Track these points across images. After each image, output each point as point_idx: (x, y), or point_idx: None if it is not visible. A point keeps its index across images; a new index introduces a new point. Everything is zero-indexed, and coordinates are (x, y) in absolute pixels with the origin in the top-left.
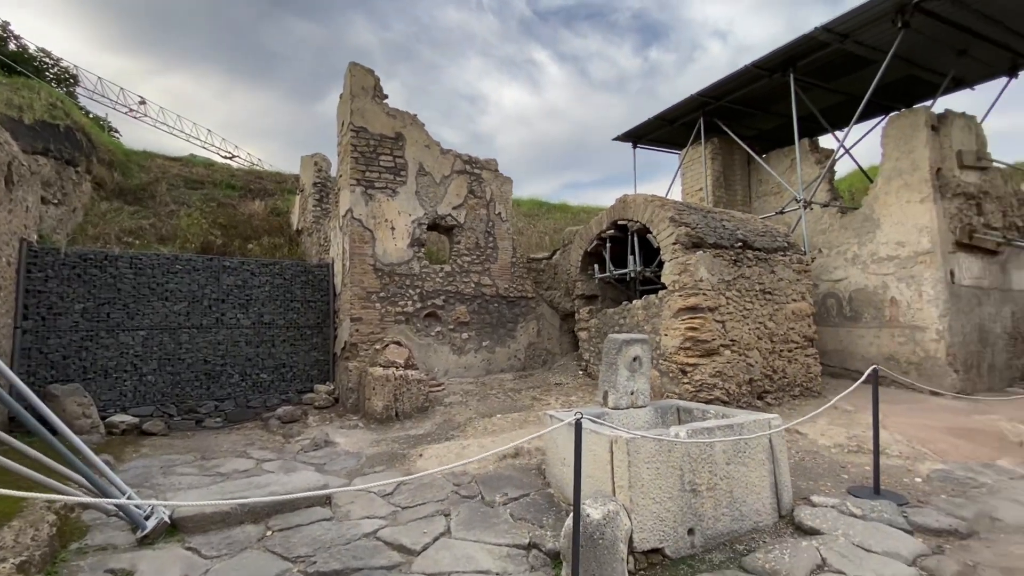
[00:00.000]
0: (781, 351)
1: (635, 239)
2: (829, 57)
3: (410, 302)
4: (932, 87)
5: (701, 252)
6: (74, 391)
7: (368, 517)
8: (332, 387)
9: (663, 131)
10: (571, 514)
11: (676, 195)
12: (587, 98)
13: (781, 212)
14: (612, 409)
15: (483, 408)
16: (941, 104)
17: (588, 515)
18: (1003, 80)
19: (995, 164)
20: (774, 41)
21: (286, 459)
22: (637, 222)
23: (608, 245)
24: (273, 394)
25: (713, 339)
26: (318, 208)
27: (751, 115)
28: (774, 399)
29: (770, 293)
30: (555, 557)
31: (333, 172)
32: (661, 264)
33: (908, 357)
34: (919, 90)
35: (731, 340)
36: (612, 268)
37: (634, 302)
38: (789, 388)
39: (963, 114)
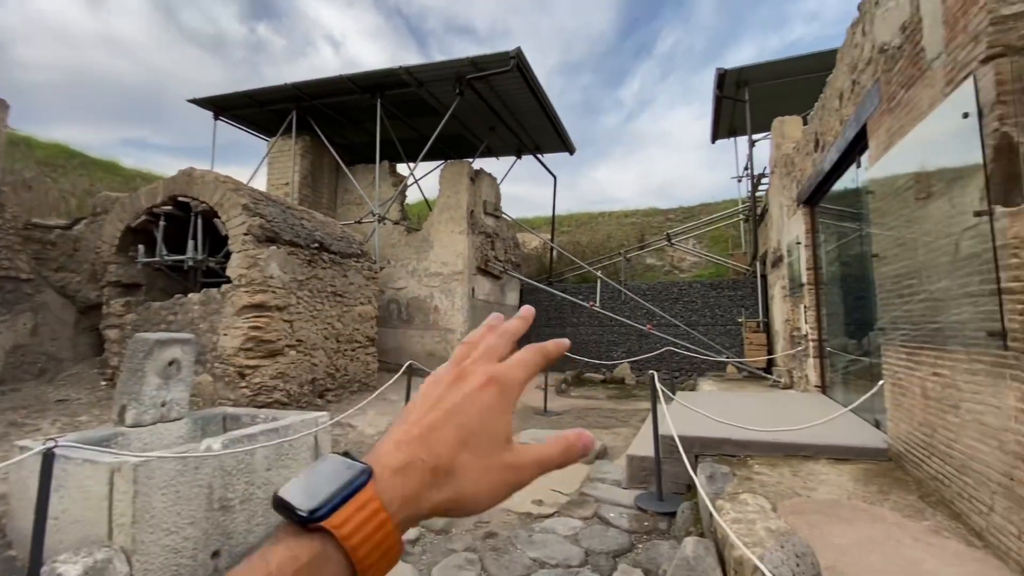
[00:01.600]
0: (345, 350)
1: (200, 222)
2: (409, 96)
3: None
4: (474, 148)
5: (275, 247)
6: None
7: None
8: None
9: (253, 111)
10: None
11: (261, 185)
12: (174, 46)
13: (359, 222)
14: (131, 427)
15: None
16: (480, 163)
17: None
18: (513, 158)
19: (504, 216)
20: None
21: None
22: (204, 203)
23: (162, 224)
24: None
25: (279, 339)
26: None
27: (344, 125)
28: (335, 396)
29: (341, 295)
30: None
31: None
32: (229, 255)
33: (442, 353)
34: (466, 147)
35: (298, 340)
36: (165, 252)
37: (191, 296)
38: (349, 385)
39: (490, 174)
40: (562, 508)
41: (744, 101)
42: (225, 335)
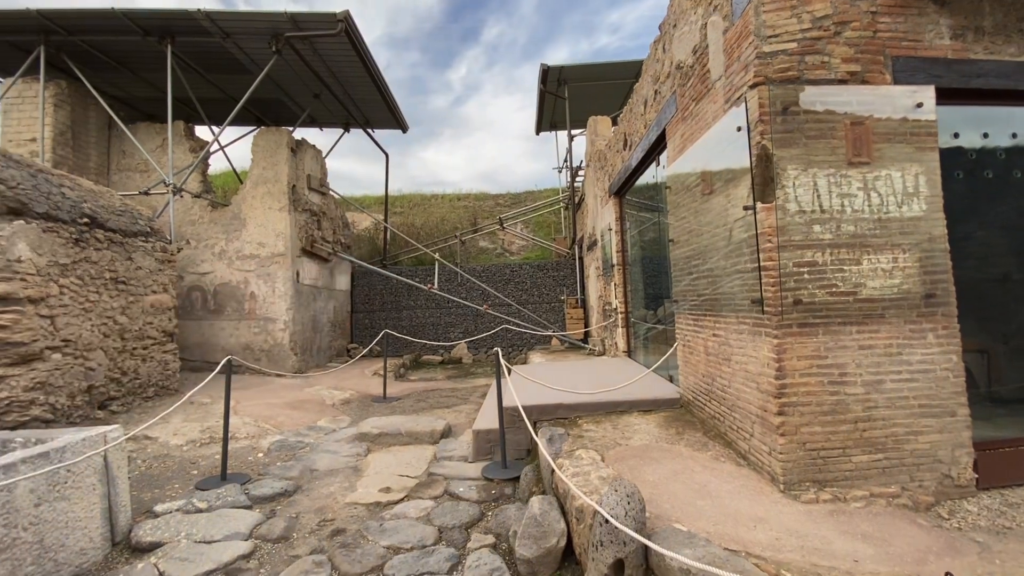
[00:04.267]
0: (135, 349)
1: None
2: (213, 48)
3: None
4: (295, 116)
5: (23, 222)
6: None
7: None
8: None
9: None
10: None
11: None
12: None
13: (146, 193)
14: None
15: None
16: (301, 133)
17: None
18: (340, 131)
19: (332, 192)
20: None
21: None
22: None
23: None
24: None
25: (34, 340)
26: None
27: (119, 71)
28: (121, 405)
29: (125, 283)
30: None
31: None
32: None
33: (261, 345)
34: (287, 115)
35: (64, 340)
36: None
37: None
38: (142, 390)
39: (314, 146)
40: (411, 491)
41: (564, 98)
42: None
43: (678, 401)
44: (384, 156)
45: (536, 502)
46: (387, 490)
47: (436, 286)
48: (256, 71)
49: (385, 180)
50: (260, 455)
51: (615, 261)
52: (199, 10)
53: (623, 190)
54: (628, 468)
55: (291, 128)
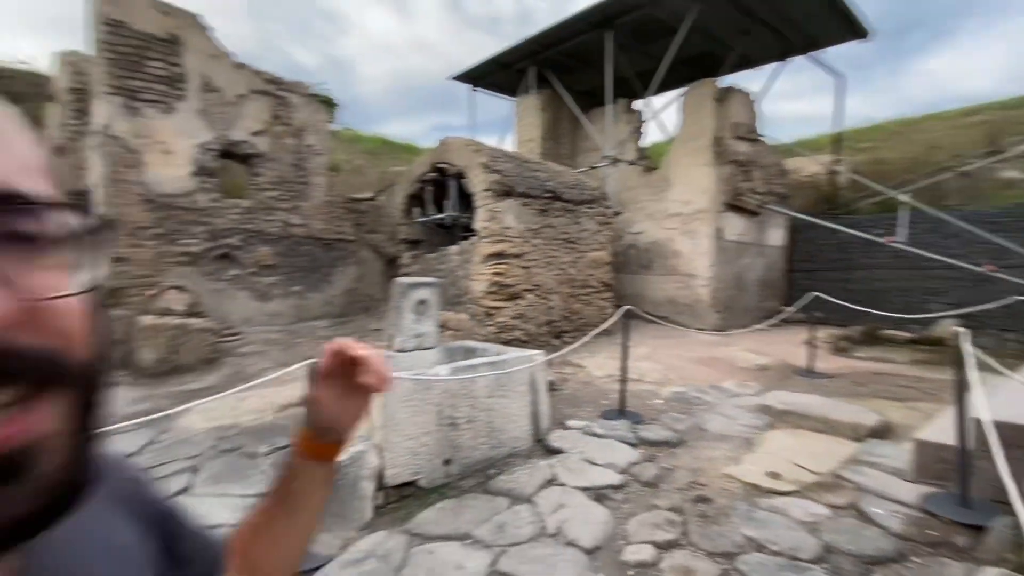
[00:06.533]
0: (579, 295)
1: (454, 184)
2: (643, 19)
3: (195, 241)
4: (721, 64)
5: (511, 200)
6: None
7: None
8: None
9: (500, 75)
10: None
11: (512, 144)
12: (461, 34)
13: (593, 167)
14: (397, 352)
15: (284, 358)
16: (730, 80)
17: None
18: (776, 64)
19: (763, 138)
20: None
21: None
22: (455, 166)
23: (428, 189)
24: None
25: (517, 284)
26: (77, 121)
27: (580, 69)
28: (571, 338)
29: (574, 242)
30: None
31: None
32: (475, 210)
33: (684, 300)
34: (715, 65)
35: (534, 285)
36: (431, 212)
37: (451, 248)
38: (585, 328)
39: (742, 91)
40: (804, 488)
41: None
42: (475, 280)
43: None
44: (838, 80)
45: None
46: (775, 476)
47: (901, 238)
48: (680, 28)
49: (837, 110)
50: (658, 401)
51: None
52: None
53: None
54: None
55: (716, 78)
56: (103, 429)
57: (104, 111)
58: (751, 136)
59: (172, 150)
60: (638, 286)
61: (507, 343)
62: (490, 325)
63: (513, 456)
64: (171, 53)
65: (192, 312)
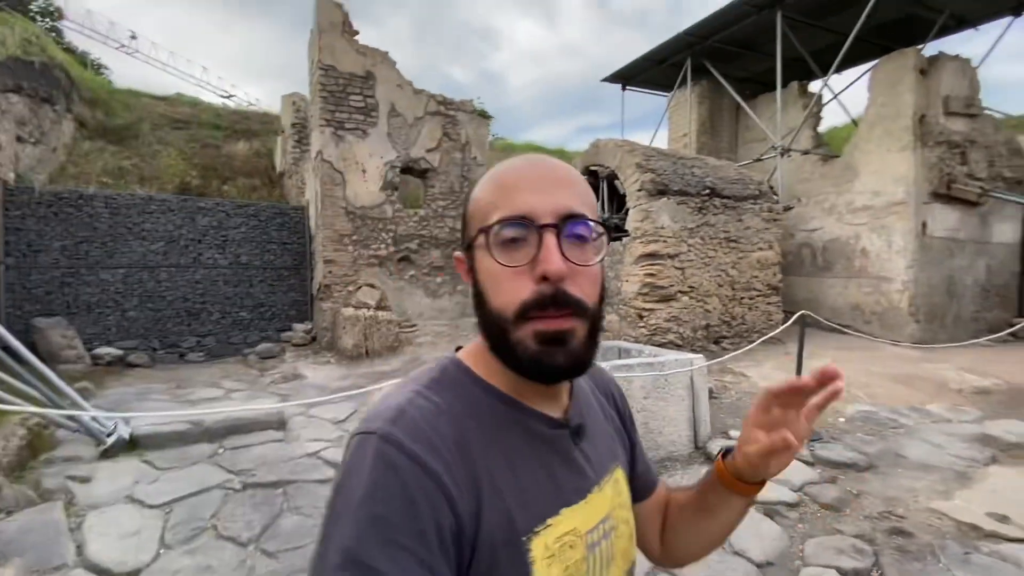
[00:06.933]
0: (742, 298)
1: (605, 185)
2: None
3: (383, 246)
4: (930, 26)
5: (665, 199)
6: (57, 324)
7: (315, 440)
8: (310, 326)
9: (652, 72)
10: None
11: (662, 142)
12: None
13: (759, 160)
14: None
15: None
16: (938, 46)
17: None
18: (1008, 19)
19: (986, 112)
20: None
21: (255, 390)
22: (607, 168)
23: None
24: (253, 331)
25: (671, 285)
26: (297, 150)
27: (742, 56)
28: (730, 343)
29: (735, 241)
30: None
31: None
32: (627, 211)
33: (872, 307)
34: (918, 30)
35: (690, 287)
36: None
37: None
38: (748, 334)
39: (956, 57)
40: None
41: None
42: (626, 281)
43: None
44: None
45: None
46: (1002, 519)
47: None
48: None
49: None
50: (840, 419)
51: None
52: None
53: None
54: None
55: (921, 45)
56: (600, 341)
57: (318, 140)
58: (968, 111)
59: (366, 168)
60: (813, 290)
61: (660, 346)
62: (641, 327)
63: (671, 460)
64: (367, 87)
65: (380, 306)
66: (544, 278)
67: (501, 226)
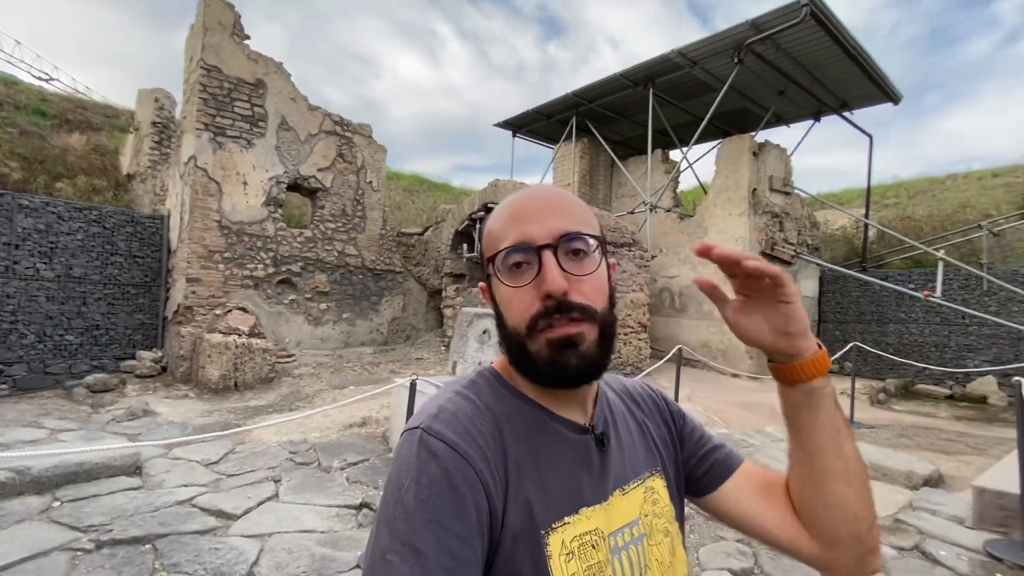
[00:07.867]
0: (619, 335)
1: None
2: (682, 79)
3: (261, 266)
4: (758, 119)
5: None
6: None
7: (185, 485)
8: (160, 354)
9: (540, 124)
10: None
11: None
12: (486, 81)
13: (631, 212)
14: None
15: (336, 380)
16: (764, 135)
17: None
18: (810, 122)
19: (796, 191)
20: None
21: (91, 429)
22: None
23: (478, 227)
24: (82, 359)
25: None
26: (156, 151)
27: (618, 121)
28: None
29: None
30: None
31: (178, 113)
32: None
33: (718, 344)
34: (749, 121)
35: None
36: (478, 249)
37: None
38: (623, 367)
39: (777, 146)
40: None
41: None
42: None
43: None
44: (867, 139)
45: None
46: None
47: (938, 294)
48: (719, 87)
49: (868, 167)
50: None
51: None
52: (672, 51)
53: None
54: None
55: (754, 133)
56: (614, 346)
57: (192, 144)
58: (785, 189)
59: (247, 181)
60: (672, 329)
61: None
62: None
63: None
64: (256, 95)
65: (253, 332)
66: (548, 296)
67: (507, 252)
